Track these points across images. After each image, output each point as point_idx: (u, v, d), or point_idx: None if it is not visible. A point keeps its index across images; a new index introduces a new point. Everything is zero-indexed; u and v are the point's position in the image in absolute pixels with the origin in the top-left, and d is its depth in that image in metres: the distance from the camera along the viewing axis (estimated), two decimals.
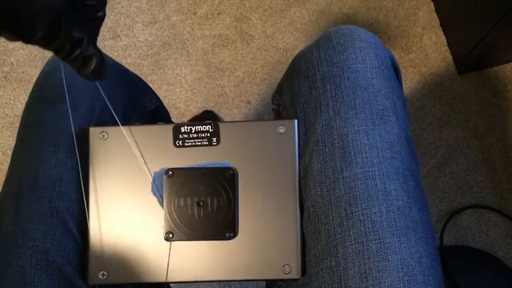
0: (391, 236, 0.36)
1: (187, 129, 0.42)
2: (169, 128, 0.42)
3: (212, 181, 0.41)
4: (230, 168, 0.41)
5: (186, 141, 0.42)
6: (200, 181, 0.41)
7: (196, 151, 0.42)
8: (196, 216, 0.40)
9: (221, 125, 0.42)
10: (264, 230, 0.40)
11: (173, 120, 0.84)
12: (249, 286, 0.95)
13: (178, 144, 0.42)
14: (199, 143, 0.42)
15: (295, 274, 0.40)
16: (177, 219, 0.40)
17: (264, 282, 0.49)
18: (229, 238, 0.40)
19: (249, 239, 0.40)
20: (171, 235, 0.40)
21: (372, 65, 0.41)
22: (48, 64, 0.48)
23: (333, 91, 0.41)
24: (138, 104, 0.54)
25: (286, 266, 0.40)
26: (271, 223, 0.40)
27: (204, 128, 0.42)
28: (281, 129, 0.42)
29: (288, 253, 0.40)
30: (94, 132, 0.43)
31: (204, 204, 0.41)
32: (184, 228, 0.40)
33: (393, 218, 0.37)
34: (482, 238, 0.96)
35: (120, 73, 0.50)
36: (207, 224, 0.40)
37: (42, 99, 0.45)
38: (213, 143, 0.42)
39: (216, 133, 0.42)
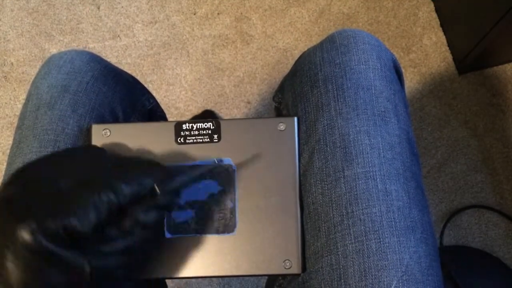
0: (390, 236, 0.36)
1: (188, 126, 0.42)
2: (171, 126, 0.43)
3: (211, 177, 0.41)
4: (229, 165, 0.41)
5: (188, 138, 0.42)
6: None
7: (197, 148, 0.42)
8: (194, 214, 0.41)
9: (222, 122, 0.42)
10: (265, 226, 0.41)
11: (173, 120, 0.84)
12: (249, 285, 0.95)
13: (180, 141, 0.42)
14: (201, 140, 0.42)
15: (295, 269, 0.40)
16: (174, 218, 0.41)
17: (264, 281, 0.50)
18: (230, 232, 0.41)
19: (249, 234, 0.40)
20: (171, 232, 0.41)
21: (375, 66, 0.42)
22: (46, 64, 0.48)
23: (335, 91, 0.41)
24: (137, 104, 0.54)
25: (287, 261, 0.40)
26: (271, 218, 0.41)
27: (206, 125, 0.42)
28: (281, 126, 0.42)
29: (288, 248, 0.40)
30: (97, 129, 0.43)
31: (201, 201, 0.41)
32: (184, 226, 0.41)
33: (393, 218, 0.37)
34: (482, 238, 0.96)
35: (117, 75, 0.50)
36: (205, 219, 0.41)
37: (40, 100, 0.44)
38: (214, 140, 0.42)
39: (217, 130, 0.42)
